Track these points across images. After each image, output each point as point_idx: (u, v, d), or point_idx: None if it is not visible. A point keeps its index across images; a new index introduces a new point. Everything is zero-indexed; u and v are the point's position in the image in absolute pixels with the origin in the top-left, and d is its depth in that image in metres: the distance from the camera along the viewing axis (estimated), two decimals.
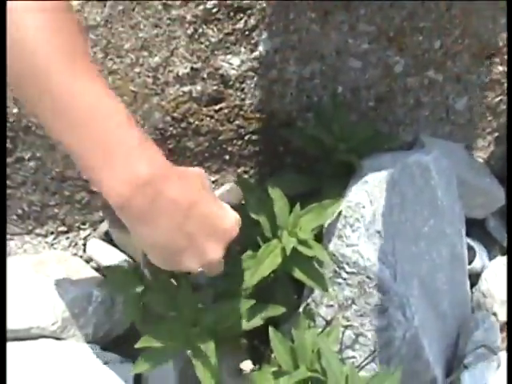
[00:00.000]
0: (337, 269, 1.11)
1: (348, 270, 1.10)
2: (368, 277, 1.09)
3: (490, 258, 1.37)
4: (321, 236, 1.13)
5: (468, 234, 1.33)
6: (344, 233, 1.10)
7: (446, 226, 1.17)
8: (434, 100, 1.28)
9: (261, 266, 1.03)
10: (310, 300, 1.14)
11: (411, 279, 1.11)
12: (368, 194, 1.09)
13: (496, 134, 1.37)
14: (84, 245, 1.29)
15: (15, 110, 1.15)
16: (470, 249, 1.32)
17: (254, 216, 1.08)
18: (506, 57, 1.28)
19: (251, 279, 1.03)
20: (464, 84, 1.29)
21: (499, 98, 1.32)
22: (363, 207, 1.08)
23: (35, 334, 1.17)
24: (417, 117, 1.29)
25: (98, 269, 1.28)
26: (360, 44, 1.19)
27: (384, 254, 1.09)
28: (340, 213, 1.10)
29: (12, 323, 1.15)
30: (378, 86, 1.24)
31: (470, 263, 1.31)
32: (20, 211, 1.26)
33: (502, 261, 1.35)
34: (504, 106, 1.33)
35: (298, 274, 1.06)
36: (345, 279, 1.11)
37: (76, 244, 1.29)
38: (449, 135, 1.33)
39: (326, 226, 1.12)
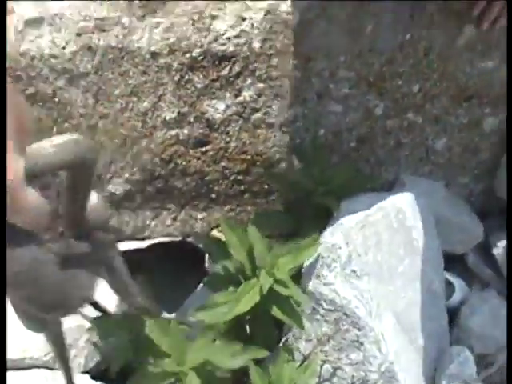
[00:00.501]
0: (315, 306, 1.21)
1: (325, 307, 1.20)
2: (345, 313, 1.19)
3: (471, 292, 1.46)
4: (300, 275, 1.23)
5: (448, 269, 1.42)
6: (321, 272, 1.20)
7: (423, 264, 1.27)
8: (413, 141, 1.38)
9: (239, 304, 1.13)
10: (289, 335, 1.24)
11: (387, 316, 1.20)
12: (344, 235, 1.19)
13: (475, 172, 1.47)
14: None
15: None
16: (449, 284, 1.41)
17: (235, 256, 1.18)
18: (484, 99, 1.37)
19: (228, 315, 1.13)
20: (443, 125, 1.39)
21: (477, 138, 1.41)
22: (339, 248, 1.19)
23: (29, 364, 1.27)
24: (397, 157, 1.39)
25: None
26: (340, 89, 1.30)
27: (360, 292, 1.19)
28: (317, 255, 1.20)
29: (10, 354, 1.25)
30: (359, 128, 1.34)
31: (448, 298, 1.40)
32: None
33: (480, 295, 1.44)
34: (482, 145, 1.43)
35: (275, 311, 1.16)
36: (322, 316, 1.21)
37: None
38: (429, 174, 1.43)
39: (304, 265, 1.22)
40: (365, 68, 1.29)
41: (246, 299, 1.15)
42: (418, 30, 1.27)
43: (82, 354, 1.31)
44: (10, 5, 1.18)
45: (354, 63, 1.28)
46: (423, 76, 1.32)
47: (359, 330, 1.19)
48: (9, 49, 1.19)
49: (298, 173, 1.28)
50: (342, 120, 1.32)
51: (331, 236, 1.21)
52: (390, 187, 1.41)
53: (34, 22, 1.19)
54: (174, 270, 1.44)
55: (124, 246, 1.38)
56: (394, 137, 1.37)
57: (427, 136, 1.39)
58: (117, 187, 1.31)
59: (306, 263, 1.22)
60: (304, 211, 1.28)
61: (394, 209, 1.23)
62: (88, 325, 1.31)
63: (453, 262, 1.47)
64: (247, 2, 1.21)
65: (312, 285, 1.21)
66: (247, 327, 1.24)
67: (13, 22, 1.19)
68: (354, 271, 1.19)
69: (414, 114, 1.36)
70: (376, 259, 1.21)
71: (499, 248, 1.45)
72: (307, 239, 1.20)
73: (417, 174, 1.43)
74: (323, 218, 1.25)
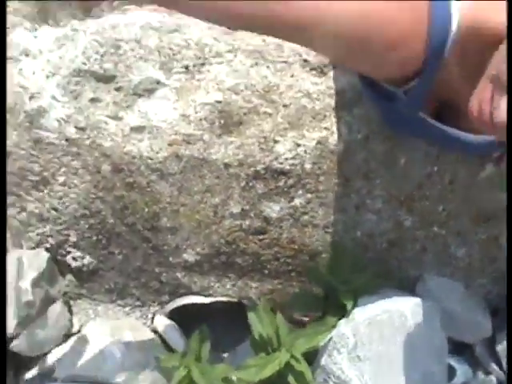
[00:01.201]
0: (326, 377, 1.75)
1: (333, 380, 1.74)
2: None
3: (473, 378, 1.97)
4: (317, 351, 1.77)
5: (457, 354, 1.93)
6: (332, 353, 1.73)
7: (420, 355, 1.78)
8: (437, 248, 1.88)
9: (265, 369, 1.69)
10: None
11: None
12: (353, 328, 1.72)
13: (493, 275, 1.95)
14: (152, 318, 1.99)
15: (111, 221, 1.85)
16: (452, 368, 1.92)
17: (266, 331, 1.73)
18: (502, 222, 1.85)
19: (256, 377, 1.70)
20: (464, 238, 1.87)
21: (496, 250, 1.90)
22: (347, 338, 1.72)
23: (103, 380, 1.87)
24: (423, 259, 1.90)
25: (160, 338, 1.97)
26: (375, 204, 1.81)
27: (361, 373, 1.72)
28: (331, 338, 1.74)
29: (88, 370, 1.86)
30: (390, 234, 1.85)
31: (450, 380, 1.91)
32: (107, 286, 1.97)
33: (482, 382, 1.94)
34: (500, 256, 1.92)
35: (291, 380, 1.71)
36: None
37: (146, 316, 1.99)
38: (451, 275, 1.93)
39: (321, 345, 1.76)
40: (397, 190, 1.79)
41: (270, 367, 1.70)
42: (444, 165, 1.76)
43: (148, 380, 1.89)
44: (119, 112, 1.76)
45: (388, 186, 1.78)
46: (447, 200, 1.81)
47: None
48: (115, 148, 1.76)
49: (329, 268, 1.80)
50: (376, 227, 1.83)
51: (344, 326, 1.74)
52: (414, 283, 1.92)
53: (137, 130, 1.75)
54: (229, 323, 2.01)
55: (192, 299, 1.96)
56: (420, 244, 1.87)
57: (450, 245, 1.88)
58: (189, 256, 1.88)
59: (322, 343, 1.76)
60: (330, 300, 1.81)
61: (398, 312, 1.74)
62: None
63: (464, 348, 1.96)
64: (304, 132, 1.73)
65: (324, 361, 1.74)
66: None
67: (120, 127, 1.76)
68: (358, 356, 1.72)
69: (439, 228, 1.85)
70: (378, 349, 1.72)
71: (503, 345, 1.94)
72: (324, 326, 1.74)
73: (440, 273, 1.92)
74: (344, 308, 1.78)
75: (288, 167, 1.73)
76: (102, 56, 1.72)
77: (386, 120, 1.62)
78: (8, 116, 1.78)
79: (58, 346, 1.92)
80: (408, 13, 1.29)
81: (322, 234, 1.83)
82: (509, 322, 1.76)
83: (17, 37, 1.82)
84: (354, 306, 1.76)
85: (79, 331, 1.95)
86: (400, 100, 1.43)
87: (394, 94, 1.44)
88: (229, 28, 1.45)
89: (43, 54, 1.77)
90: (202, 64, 1.73)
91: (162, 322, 1.94)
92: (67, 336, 1.92)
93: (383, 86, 1.45)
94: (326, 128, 1.71)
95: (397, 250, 1.86)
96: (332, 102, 1.70)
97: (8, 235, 1.94)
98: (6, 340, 1.86)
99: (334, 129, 1.70)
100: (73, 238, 1.89)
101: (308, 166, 1.73)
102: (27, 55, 1.79)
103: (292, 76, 1.71)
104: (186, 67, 1.72)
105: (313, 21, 1.22)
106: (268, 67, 1.71)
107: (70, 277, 1.97)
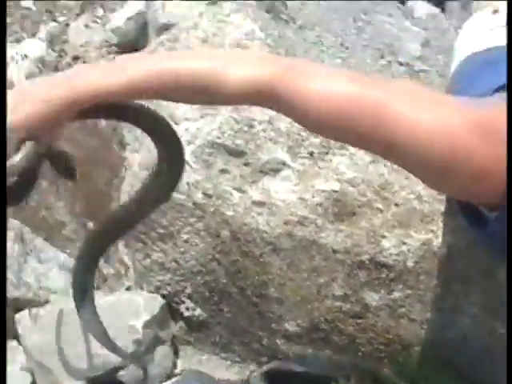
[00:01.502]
0: None
1: None
2: None
3: None
4: None
5: None
6: None
7: None
8: None
9: None
10: None
11: None
12: None
13: None
14: (248, 375, 2.19)
15: (224, 281, 2.06)
16: None
17: None
18: None
19: None
20: None
21: None
22: None
23: None
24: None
25: None
26: (471, 309, 1.94)
27: None
28: None
29: None
30: (483, 341, 1.96)
31: None
32: (213, 339, 2.18)
33: None
34: None
35: None
36: None
37: (243, 373, 2.19)
38: None
39: None
40: (494, 299, 1.91)
41: None
42: None
43: None
44: (244, 186, 1.96)
45: (486, 294, 1.91)
46: None
47: None
48: (236, 218, 1.97)
49: (418, 363, 1.95)
50: (470, 331, 1.96)
51: None
52: None
53: (258, 204, 1.95)
54: None
55: (288, 365, 2.15)
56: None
57: None
58: (291, 327, 2.06)
59: None
60: None
61: None
62: None
63: None
64: (410, 231, 1.89)
65: None
66: None
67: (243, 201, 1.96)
68: None
69: None
70: None
71: None
72: None
73: None
74: None
75: (391, 262, 1.89)
76: (235, 132, 1.92)
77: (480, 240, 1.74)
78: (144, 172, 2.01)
79: (160, 382, 2.13)
80: (488, 144, 1.35)
81: (416, 329, 1.97)
82: (509, 321, 1.83)
83: None
84: None
85: (181, 374, 2.15)
86: (490, 224, 1.52)
87: (487, 217, 1.53)
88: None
89: (185, 122, 1.98)
90: (326, 153, 1.91)
91: (257, 381, 2.13)
92: (169, 376, 2.13)
93: (477, 208, 1.55)
94: (431, 231, 1.85)
95: (488, 359, 1.97)
96: (441, 207, 1.85)
97: (133, 276, 2.18)
98: (115, 369, 2.08)
99: (440, 233, 1.85)
100: (188, 290, 2.11)
101: (410, 264, 1.88)
102: (172, 120, 2.00)
103: (407, 178, 1.86)
104: (311, 153, 1.91)
105: (402, 143, 1.26)
106: (385, 165, 1.87)
107: (181, 323, 2.18)
